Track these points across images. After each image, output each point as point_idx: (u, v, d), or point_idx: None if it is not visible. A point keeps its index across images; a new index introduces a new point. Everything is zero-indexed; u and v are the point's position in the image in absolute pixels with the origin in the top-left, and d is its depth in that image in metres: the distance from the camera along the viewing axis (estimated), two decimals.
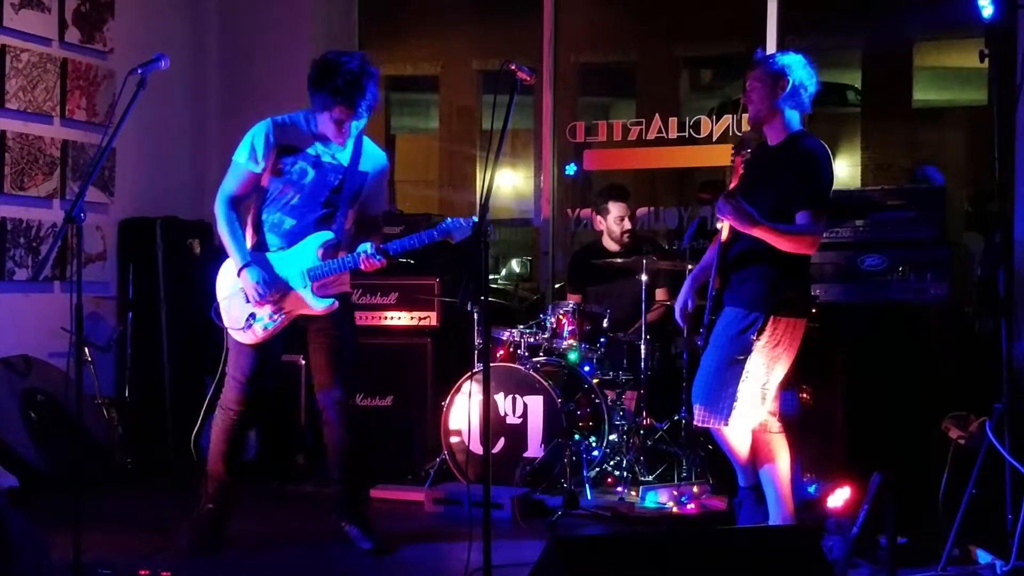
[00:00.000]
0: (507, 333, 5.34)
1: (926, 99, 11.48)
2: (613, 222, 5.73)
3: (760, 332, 3.74)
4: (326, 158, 3.94)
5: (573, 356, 5.29)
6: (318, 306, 3.92)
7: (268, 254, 3.94)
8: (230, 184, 3.94)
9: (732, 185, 3.80)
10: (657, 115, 6.29)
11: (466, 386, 5.04)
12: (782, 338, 3.77)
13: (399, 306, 5.53)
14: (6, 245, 5.42)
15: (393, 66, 11.32)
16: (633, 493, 4.92)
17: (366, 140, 4.06)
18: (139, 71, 3.54)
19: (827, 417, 4.36)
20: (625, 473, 5.07)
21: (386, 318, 5.53)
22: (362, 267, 3.85)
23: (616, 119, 6.50)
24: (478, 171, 11.30)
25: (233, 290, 3.94)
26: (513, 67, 3.43)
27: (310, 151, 3.92)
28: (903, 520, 3.82)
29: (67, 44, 5.74)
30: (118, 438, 5.50)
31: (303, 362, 5.53)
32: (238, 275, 3.88)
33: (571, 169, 6.70)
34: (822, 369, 4.38)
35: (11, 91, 5.43)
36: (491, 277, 8.89)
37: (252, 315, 3.91)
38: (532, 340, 5.32)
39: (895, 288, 4.64)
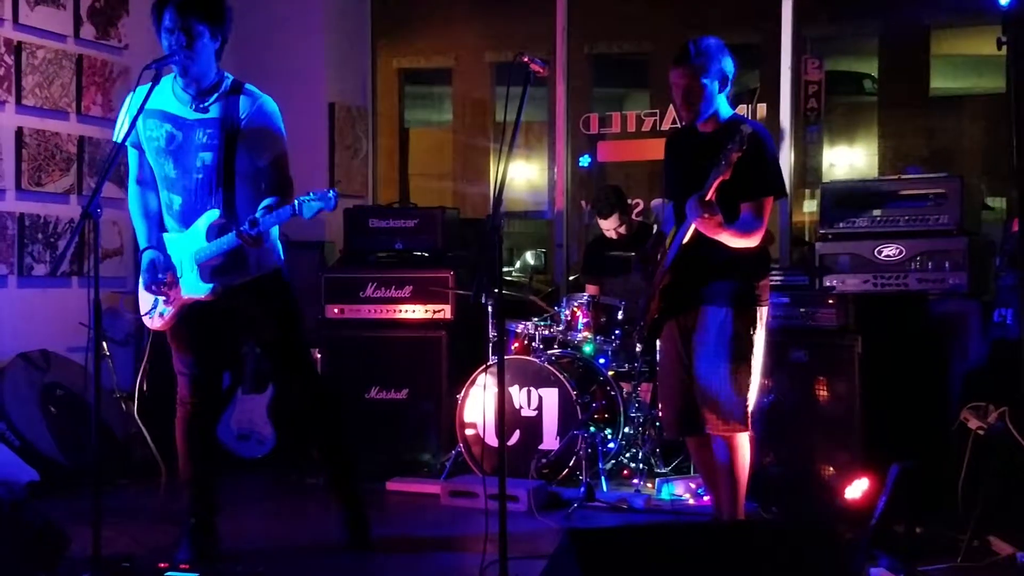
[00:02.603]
0: (521, 326, 5.34)
1: (943, 87, 11.41)
2: (608, 232, 5.76)
3: (754, 326, 3.70)
4: (193, 115, 3.67)
5: (588, 348, 5.29)
6: (199, 292, 3.68)
7: (167, 237, 3.77)
8: (129, 167, 3.82)
9: (711, 195, 3.53)
10: (671, 105, 6.26)
11: (481, 379, 5.04)
12: (763, 327, 3.74)
13: (413, 299, 5.53)
14: (24, 241, 5.45)
15: (406, 59, 11.35)
16: (649, 485, 4.92)
17: (247, 86, 3.76)
18: (153, 67, 3.54)
19: (844, 408, 4.34)
20: (641, 465, 5.06)
21: (400, 311, 5.54)
22: (246, 244, 3.57)
23: (630, 110, 6.48)
24: (492, 164, 11.29)
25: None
26: (526, 59, 3.42)
27: (176, 111, 3.69)
28: (922, 511, 3.82)
29: (82, 40, 5.76)
30: (135, 431, 5.52)
31: (318, 355, 5.55)
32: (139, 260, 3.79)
33: (585, 161, 6.68)
34: (839, 360, 4.36)
35: (28, 88, 5.46)
36: (505, 270, 8.88)
37: (156, 300, 3.81)
38: (547, 333, 5.31)
39: (912, 278, 4.61)
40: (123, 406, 5.45)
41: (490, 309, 5.14)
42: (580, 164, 6.68)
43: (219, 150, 3.65)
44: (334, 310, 5.62)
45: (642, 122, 6.35)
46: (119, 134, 3.71)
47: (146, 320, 3.87)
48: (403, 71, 11.53)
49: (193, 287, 3.70)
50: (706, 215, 3.51)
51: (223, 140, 3.65)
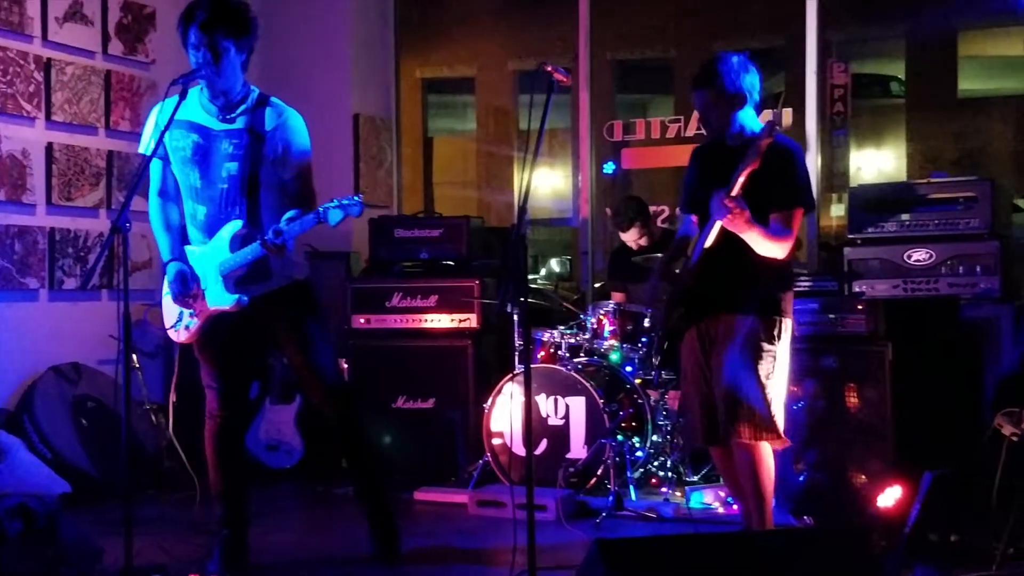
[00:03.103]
0: (548, 334, 5.33)
1: (972, 88, 11.31)
2: (630, 244, 5.75)
3: (779, 335, 3.66)
4: (219, 126, 3.70)
5: (614, 356, 5.27)
6: (226, 303, 3.67)
7: (190, 249, 3.77)
8: (151, 179, 3.79)
9: (738, 190, 3.47)
10: (696, 112, 6.22)
11: (507, 388, 5.04)
12: (787, 338, 3.70)
13: (439, 308, 5.53)
14: (55, 255, 5.50)
15: (430, 69, 11.37)
16: (678, 494, 4.89)
17: (273, 99, 3.79)
18: (180, 82, 3.56)
19: (875, 415, 4.29)
20: (670, 474, 5.04)
21: (426, 321, 5.54)
22: (270, 254, 3.58)
23: (654, 116, 6.46)
24: (516, 172, 11.29)
25: (167, 290, 3.83)
26: (549, 68, 3.41)
27: (203, 122, 3.71)
28: (956, 519, 3.77)
29: (110, 56, 5.82)
30: (166, 443, 5.56)
31: (345, 365, 5.57)
32: (164, 272, 3.78)
33: (609, 168, 6.67)
34: (869, 366, 4.32)
35: (57, 104, 5.52)
36: (530, 277, 8.87)
37: (180, 313, 3.80)
38: (573, 341, 5.30)
39: (943, 283, 4.57)
40: (153, 418, 5.49)
41: (516, 318, 5.13)
42: (604, 171, 6.67)
43: (244, 161, 3.67)
44: (360, 320, 5.63)
45: (666, 129, 6.33)
46: (146, 147, 3.73)
47: (171, 333, 3.87)
48: (426, 81, 11.56)
49: (219, 298, 3.70)
50: (735, 210, 3.45)
51: (249, 151, 3.67)
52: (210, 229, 3.73)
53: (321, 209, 3.55)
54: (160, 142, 3.61)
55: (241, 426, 4.05)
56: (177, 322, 3.82)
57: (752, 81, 3.69)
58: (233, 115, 3.71)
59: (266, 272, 3.74)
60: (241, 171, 3.67)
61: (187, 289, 3.71)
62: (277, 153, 3.71)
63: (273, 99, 3.79)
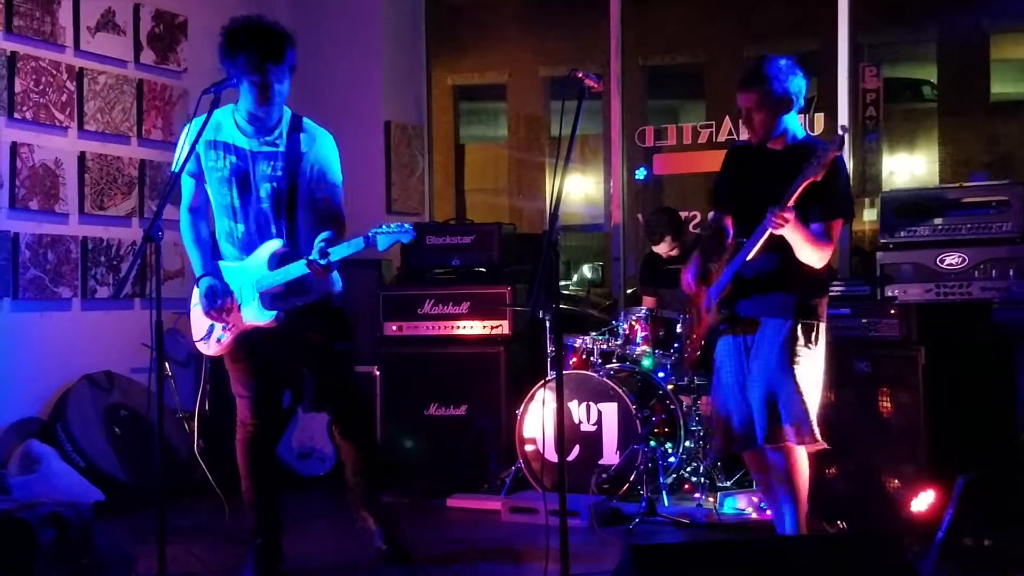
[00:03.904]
0: (580, 340, 5.32)
1: (1005, 92, 11.19)
2: (663, 255, 5.75)
3: (817, 340, 3.65)
4: (258, 147, 3.76)
5: (647, 362, 5.26)
6: (263, 319, 3.71)
7: (225, 265, 3.83)
8: (183, 195, 3.84)
9: (794, 201, 3.47)
10: (727, 117, 6.21)
11: (540, 394, 5.03)
12: (824, 342, 3.69)
13: (471, 315, 5.54)
14: (88, 264, 5.56)
15: (461, 76, 11.41)
16: (711, 499, 4.87)
17: (306, 121, 3.85)
18: (212, 91, 3.60)
19: (909, 420, 4.26)
20: (702, 479, 5.01)
21: (458, 327, 5.56)
22: (315, 274, 3.62)
23: (686, 122, 6.45)
24: (547, 178, 11.30)
25: (197, 302, 3.86)
26: (580, 75, 3.41)
27: (240, 143, 3.76)
28: (990, 523, 3.73)
29: (142, 65, 5.88)
30: (198, 451, 5.60)
31: (377, 373, 5.60)
32: (196, 286, 3.82)
33: (641, 173, 6.66)
34: (902, 371, 4.28)
35: (90, 113, 5.58)
36: (562, 283, 8.85)
37: (211, 326, 3.83)
38: (605, 347, 5.29)
39: (976, 287, 4.52)
40: (185, 426, 5.53)
41: (548, 324, 5.13)
42: (636, 177, 6.65)
43: (283, 181, 3.74)
44: (392, 327, 5.66)
45: (698, 134, 6.31)
46: (177, 165, 3.75)
47: (200, 346, 3.91)
48: (457, 88, 11.59)
49: (256, 314, 3.74)
50: (790, 221, 3.44)
51: (287, 172, 3.74)
52: (247, 247, 3.79)
53: (371, 234, 3.59)
54: (188, 159, 3.65)
55: (274, 435, 4.08)
56: (207, 335, 3.86)
57: (799, 85, 3.68)
58: (270, 137, 3.77)
59: (303, 288, 3.79)
60: (280, 191, 3.74)
61: (216, 304, 3.74)
62: (312, 173, 3.78)
63: (306, 121, 3.86)
